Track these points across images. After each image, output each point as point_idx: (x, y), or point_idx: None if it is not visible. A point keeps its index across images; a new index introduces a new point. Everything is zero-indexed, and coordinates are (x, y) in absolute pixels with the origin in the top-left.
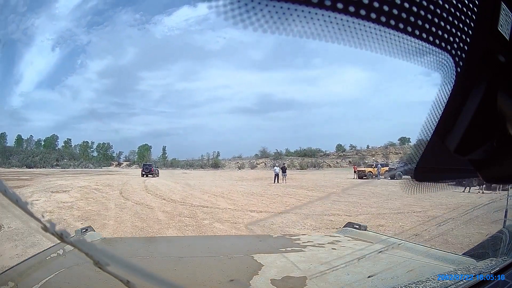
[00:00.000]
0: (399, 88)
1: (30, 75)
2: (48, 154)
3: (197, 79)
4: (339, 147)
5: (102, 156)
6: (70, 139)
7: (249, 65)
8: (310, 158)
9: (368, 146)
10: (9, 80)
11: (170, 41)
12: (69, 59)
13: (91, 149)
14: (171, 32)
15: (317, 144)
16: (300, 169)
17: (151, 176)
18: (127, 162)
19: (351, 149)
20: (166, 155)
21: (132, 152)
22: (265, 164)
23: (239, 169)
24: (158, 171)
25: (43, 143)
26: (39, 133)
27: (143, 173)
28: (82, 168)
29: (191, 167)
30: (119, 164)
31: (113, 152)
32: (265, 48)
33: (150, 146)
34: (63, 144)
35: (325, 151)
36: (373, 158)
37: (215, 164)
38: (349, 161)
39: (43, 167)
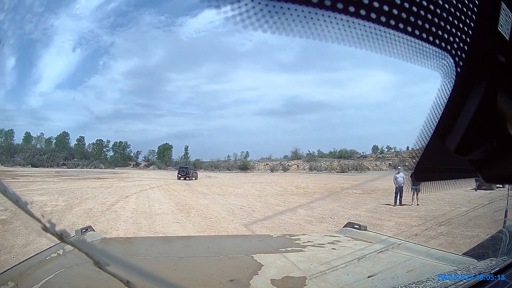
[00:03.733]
0: (426, 90)
1: (51, 75)
2: (57, 152)
3: (224, 81)
4: (375, 149)
5: (119, 156)
6: (83, 137)
7: (276, 67)
8: (346, 160)
9: (408, 147)
10: (29, 80)
11: (197, 43)
12: (92, 59)
13: (107, 148)
14: (197, 34)
15: (346, 145)
16: (341, 172)
17: (188, 179)
18: (146, 163)
19: (388, 150)
20: (189, 156)
21: (151, 152)
22: (297, 166)
23: (272, 171)
24: (196, 173)
25: (54, 141)
26: (59, 133)
27: (179, 175)
28: (90, 168)
29: (216, 168)
30: (136, 165)
31: (131, 151)
32: (292, 51)
33: (171, 145)
34: (76, 143)
35: (363, 152)
36: (414, 161)
37: (244, 166)
38: (389, 163)
39: (50, 166)
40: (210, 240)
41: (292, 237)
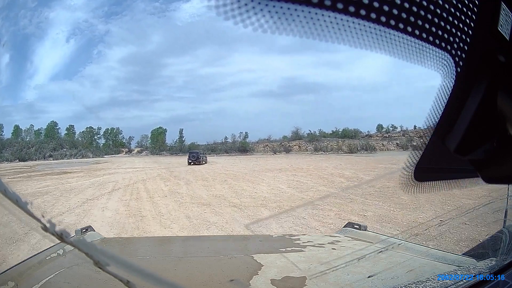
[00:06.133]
0: (422, 72)
1: (47, 68)
2: (45, 144)
3: (221, 64)
4: (380, 128)
5: (112, 143)
6: (72, 126)
7: (273, 49)
8: (351, 140)
9: (415, 126)
10: (25, 74)
11: (192, 27)
12: (88, 49)
13: (98, 136)
14: (192, 18)
15: (345, 126)
16: (349, 152)
17: (198, 164)
18: (139, 148)
19: (393, 129)
20: (184, 139)
21: (144, 136)
22: (299, 146)
23: (274, 153)
24: (206, 158)
25: (43, 132)
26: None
27: (190, 161)
28: (77, 158)
29: (213, 152)
30: (129, 151)
31: (123, 137)
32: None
33: (165, 129)
34: (66, 132)
35: (368, 131)
36: (421, 140)
37: (243, 147)
38: (397, 143)
39: (38, 159)
40: (210, 240)
41: (292, 237)
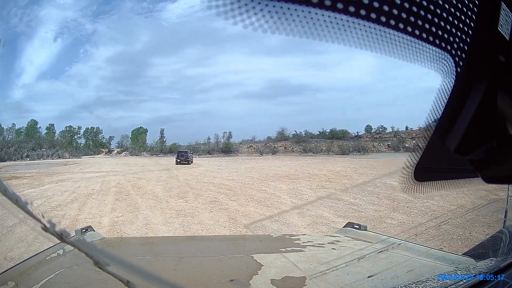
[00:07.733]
0: (408, 74)
1: (35, 66)
2: (24, 143)
3: (207, 65)
4: (369, 129)
5: (92, 143)
6: (52, 125)
7: (259, 50)
8: (339, 141)
9: (407, 127)
10: (12, 73)
11: (179, 27)
12: (75, 48)
13: (78, 135)
14: (178, 19)
15: (332, 127)
16: (342, 154)
17: (186, 163)
18: (119, 149)
19: (383, 130)
20: (165, 139)
21: (124, 137)
22: (285, 147)
23: (261, 154)
24: (192, 159)
25: (24, 131)
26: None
27: (178, 160)
28: (54, 158)
29: (196, 152)
30: (109, 152)
31: (103, 137)
32: (277, 34)
33: (146, 129)
34: (46, 131)
35: (357, 132)
36: (414, 142)
37: (227, 148)
38: (388, 144)
39: (16, 159)
40: (210, 240)
41: (292, 237)
